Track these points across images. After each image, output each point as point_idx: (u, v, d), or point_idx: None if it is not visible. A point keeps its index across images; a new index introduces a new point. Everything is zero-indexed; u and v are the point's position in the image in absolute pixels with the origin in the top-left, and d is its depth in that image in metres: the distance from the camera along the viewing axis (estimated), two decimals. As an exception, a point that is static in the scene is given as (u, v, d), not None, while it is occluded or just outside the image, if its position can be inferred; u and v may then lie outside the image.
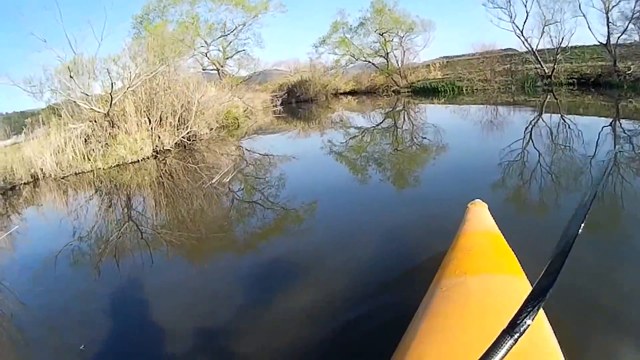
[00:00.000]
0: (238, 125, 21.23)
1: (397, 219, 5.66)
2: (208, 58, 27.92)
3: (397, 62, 33.72)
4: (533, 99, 21.13)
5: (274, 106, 33.57)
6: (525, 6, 24.88)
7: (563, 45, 23.94)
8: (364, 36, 34.06)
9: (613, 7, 21.73)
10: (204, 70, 27.87)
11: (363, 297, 3.63)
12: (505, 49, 30.12)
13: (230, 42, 28.48)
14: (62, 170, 12.22)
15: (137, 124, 13.27)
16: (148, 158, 13.16)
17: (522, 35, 25.35)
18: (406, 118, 19.56)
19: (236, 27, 27.59)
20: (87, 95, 13.61)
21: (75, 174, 12.26)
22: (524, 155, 8.73)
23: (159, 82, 14.81)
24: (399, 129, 15.73)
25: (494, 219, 3.17)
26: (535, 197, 6.16)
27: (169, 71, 15.52)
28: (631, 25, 21.10)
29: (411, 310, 2.31)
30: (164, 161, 12.90)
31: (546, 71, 24.54)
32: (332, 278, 4.12)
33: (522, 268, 2.41)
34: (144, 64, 14.71)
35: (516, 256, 2.56)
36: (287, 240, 5.72)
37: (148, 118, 13.85)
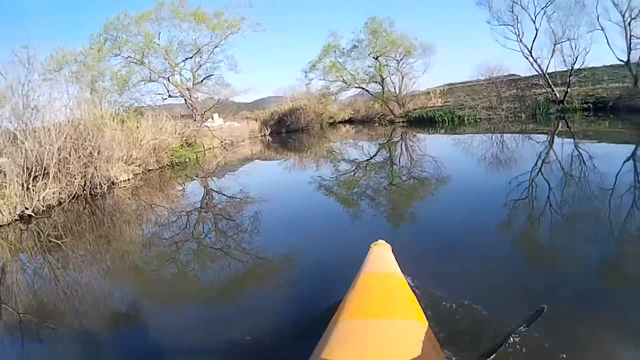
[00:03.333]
0: (186, 164, 17.18)
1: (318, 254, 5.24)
2: (173, 84, 23.40)
3: (394, 88, 30.18)
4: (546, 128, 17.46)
5: (262, 136, 30.76)
6: (535, 22, 21.26)
7: (577, 65, 20.15)
8: (357, 60, 30.15)
9: (633, 18, 18.07)
10: (169, 97, 24.10)
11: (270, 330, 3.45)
12: (508, 75, 26.52)
13: (201, 65, 23.88)
14: None
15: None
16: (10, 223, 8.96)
17: (531, 55, 21.69)
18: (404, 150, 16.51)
19: (200, 49, 22.99)
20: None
21: None
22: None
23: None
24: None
25: (397, 260, 3.05)
26: (441, 240, 5.32)
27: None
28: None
29: (308, 350, 2.14)
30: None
31: (558, 96, 20.85)
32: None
33: (424, 312, 2.35)
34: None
35: (418, 300, 2.47)
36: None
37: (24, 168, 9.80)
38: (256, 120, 33.56)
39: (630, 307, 3.24)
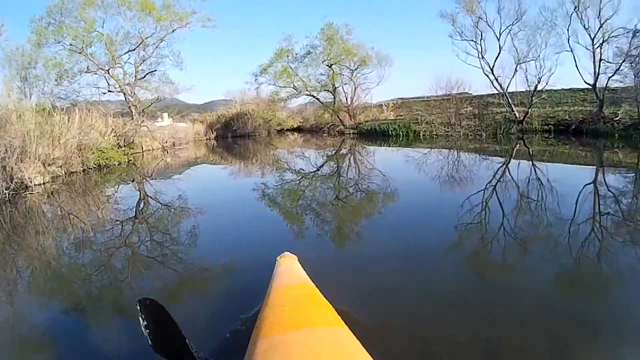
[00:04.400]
0: (114, 167, 14.86)
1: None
2: (113, 77, 20.55)
3: (346, 98, 29.10)
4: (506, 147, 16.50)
5: (207, 139, 28.90)
6: (499, 40, 20.47)
7: (540, 86, 19.54)
8: (310, 67, 28.70)
9: (602, 42, 17.43)
10: (109, 92, 21.33)
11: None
12: (462, 92, 25.22)
13: (144, 60, 21.52)
14: None
15: None
16: None
17: (492, 73, 20.92)
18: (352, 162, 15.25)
19: (144, 40, 20.63)
20: None
21: None
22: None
23: None
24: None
25: (305, 270, 3.00)
26: (350, 246, 5.58)
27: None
28: (625, 64, 16.75)
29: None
30: None
31: (517, 116, 20.10)
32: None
33: (341, 317, 2.29)
34: None
35: (333, 307, 2.42)
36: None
37: None
38: (202, 123, 31.75)
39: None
